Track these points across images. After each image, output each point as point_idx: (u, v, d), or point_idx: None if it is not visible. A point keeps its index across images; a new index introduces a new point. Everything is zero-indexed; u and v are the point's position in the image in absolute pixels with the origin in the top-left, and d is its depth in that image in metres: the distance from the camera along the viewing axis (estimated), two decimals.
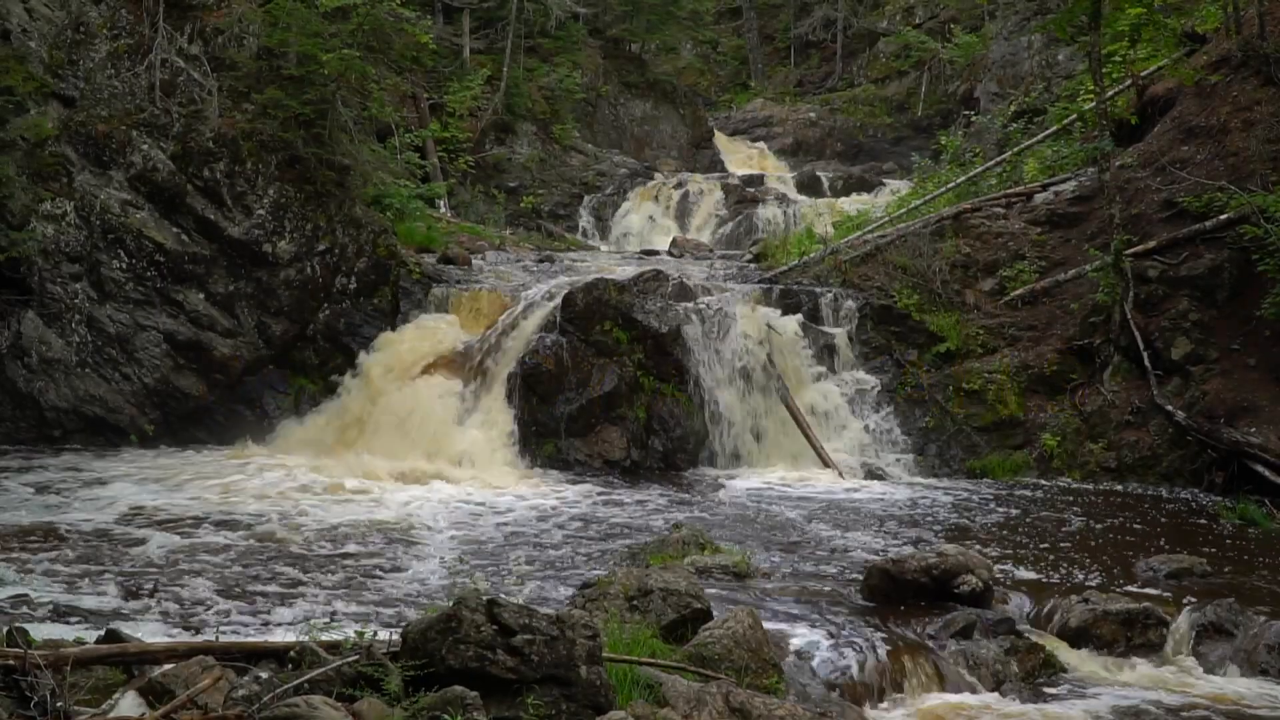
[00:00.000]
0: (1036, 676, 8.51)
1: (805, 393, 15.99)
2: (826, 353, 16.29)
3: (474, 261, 19.04)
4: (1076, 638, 9.02)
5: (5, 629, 6.93)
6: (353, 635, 6.66)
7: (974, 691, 8.27)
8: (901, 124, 34.53)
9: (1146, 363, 15.34)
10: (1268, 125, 16.01)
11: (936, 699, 8.13)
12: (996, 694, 8.25)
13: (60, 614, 8.72)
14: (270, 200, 16.48)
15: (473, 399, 15.54)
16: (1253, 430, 14.25)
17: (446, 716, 5.74)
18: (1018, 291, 16.71)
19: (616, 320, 15.77)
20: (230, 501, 12.74)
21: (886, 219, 19.01)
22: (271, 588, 9.58)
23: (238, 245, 16.34)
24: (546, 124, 27.13)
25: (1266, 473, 13.83)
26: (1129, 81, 18.44)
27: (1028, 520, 12.69)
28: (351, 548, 11.01)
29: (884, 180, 29.48)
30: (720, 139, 33.21)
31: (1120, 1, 16.72)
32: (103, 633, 7.48)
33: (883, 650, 8.30)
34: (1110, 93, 17.46)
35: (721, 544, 10.71)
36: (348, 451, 15.18)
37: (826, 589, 9.75)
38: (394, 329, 16.66)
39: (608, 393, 15.44)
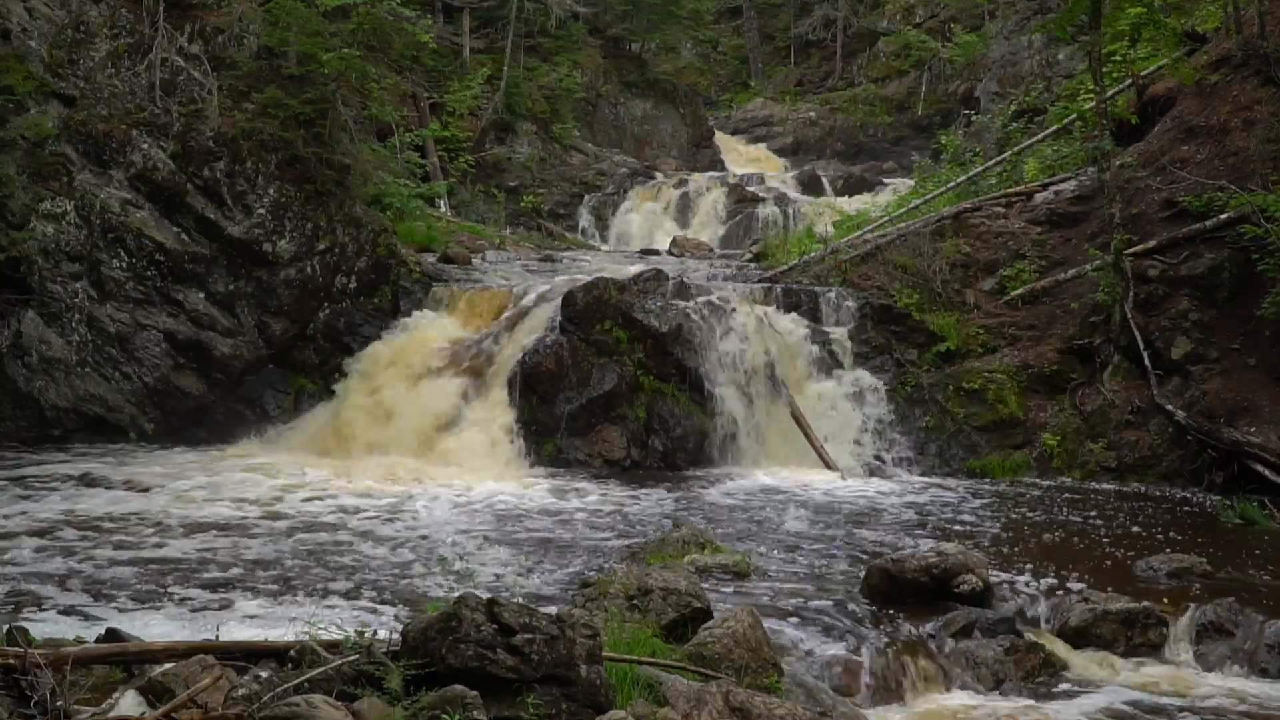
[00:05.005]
0: (1036, 676, 8.51)
1: (805, 392, 15.99)
2: (826, 352, 16.28)
3: (474, 261, 19.04)
4: (1076, 637, 9.02)
5: (5, 628, 6.94)
6: (353, 634, 6.66)
7: (974, 691, 8.28)
8: (901, 123, 34.56)
9: (1146, 362, 15.33)
10: (1268, 125, 16.00)
11: (936, 698, 8.13)
12: (996, 693, 8.25)
13: (60, 612, 8.73)
14: (270, 200, 16.48)
15: (473, 398, 15.53)
16: (1253, 430, 14.24)
17: (446, 716, 5.75)
18: (1018, 291, 16.71)
19: (617, 320, 15.77)
20: (229, 501, 12.74)
21: (887, 218, 19.00)
22: (271, 587, 9.58)
23: (238, 245, 16.35)
24: (546, 123, 27.13)
25: (1266, 472, 13.83)
26: (1129, 81, 18.43)
27: (1028, 520, 12.69)
28: (350, 546, 11.00)
29: (884, 180, 29.50)
30: (720, 138, 33.23)
31: (1120, 1, 16.71)
32: (103, 631, 7.49)
33: (883, 650, 8.30)
34: (1110, 92, 17.45)
35: (721, 543, 10.72)
36: (347, 451, 15.18)
37: (826, 588, 9.75)
38: (394, 328, 16.66)
39: (608, 392, 15.44)
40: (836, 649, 8.24)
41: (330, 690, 6.07)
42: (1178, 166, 16.43)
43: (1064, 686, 8.42)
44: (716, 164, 30.86)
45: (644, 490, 13.96)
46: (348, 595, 9.39)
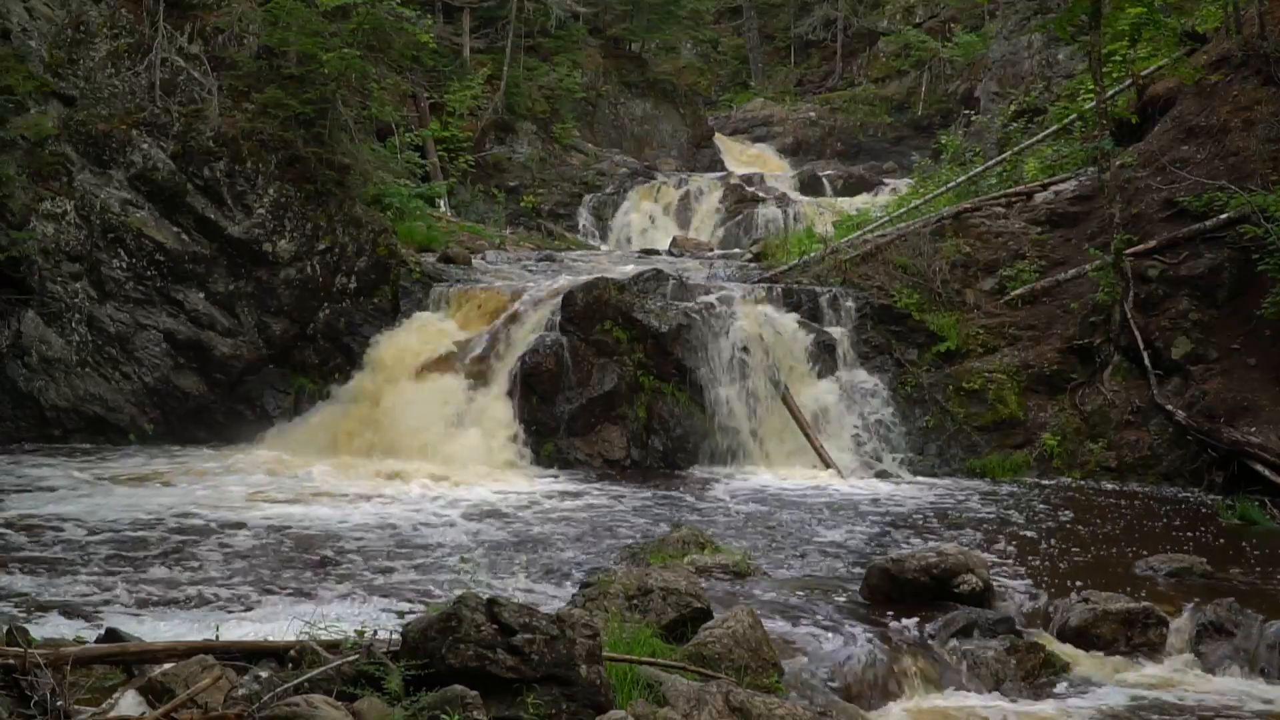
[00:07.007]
0: (1036, 676, 8.50)
1: (805, 392, 15.99)
2: (826, 352, 16.27)
3: (474, 261, 19.03)
4: (1076, 637, 9.01)
5: (5, 628, 6.93)
6: (353, 634, 6.66)
7: (974, 691, 8.26)
8: (901, 123, 34.53)
9: (1146, 362, 15.34)
10: (1268, 125, 16.00)
11: (936, 698, 8.12)
12: (996, 693, 8.24)
13: (61, 611, 8.73)
14: (270, 199, 16.48)
15: (473, 398, 15.53)
16: (1253, 430, 14.25)
17: (446, 716, 5.74)
18: (1018, 291, 16.71)
19: (616, 319, 15.77)
20: (230, 501, 12.73)
21: (887, 219, 19.00)
22: (271, 587, 9.58)
23: (238, 244, 16.35)
24: (546, 123, 27.10)
25: (1266, 472, 13.83)
26: (1129, 81, 18.43)
27: (1028, 520, 12.69)
28: (351, 546, 11.00)
29: (884, 180, 29.47)
30: (720, 138, 33.21)
31: (1120, 1, 16.71)
32: (103, 631, 7.48)
33: (883, 650, 8.29)
34: (1110, 92, 17.45)
35: (721, 543, 10.71)
36: (348, 450, 15.20)
37: (826, 588, 9.74)
38: (394, 328, 16.65)
39: (608, 392, 15.45)
40: (836, 649, 8.23)
41: (330, 690, 6.06)
42: (1178, 166, 16.43)
43: (1064, 686, 8.40)
44: (716, 164, 30.83)
45: (644, 490, 13.96)
46: (347, 595, 9.40)
